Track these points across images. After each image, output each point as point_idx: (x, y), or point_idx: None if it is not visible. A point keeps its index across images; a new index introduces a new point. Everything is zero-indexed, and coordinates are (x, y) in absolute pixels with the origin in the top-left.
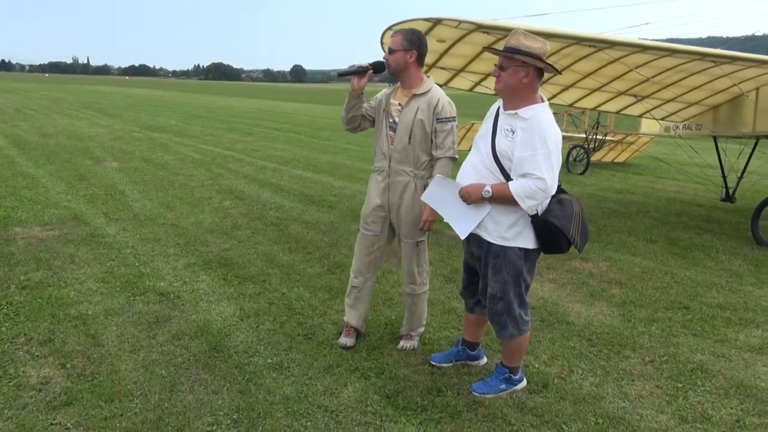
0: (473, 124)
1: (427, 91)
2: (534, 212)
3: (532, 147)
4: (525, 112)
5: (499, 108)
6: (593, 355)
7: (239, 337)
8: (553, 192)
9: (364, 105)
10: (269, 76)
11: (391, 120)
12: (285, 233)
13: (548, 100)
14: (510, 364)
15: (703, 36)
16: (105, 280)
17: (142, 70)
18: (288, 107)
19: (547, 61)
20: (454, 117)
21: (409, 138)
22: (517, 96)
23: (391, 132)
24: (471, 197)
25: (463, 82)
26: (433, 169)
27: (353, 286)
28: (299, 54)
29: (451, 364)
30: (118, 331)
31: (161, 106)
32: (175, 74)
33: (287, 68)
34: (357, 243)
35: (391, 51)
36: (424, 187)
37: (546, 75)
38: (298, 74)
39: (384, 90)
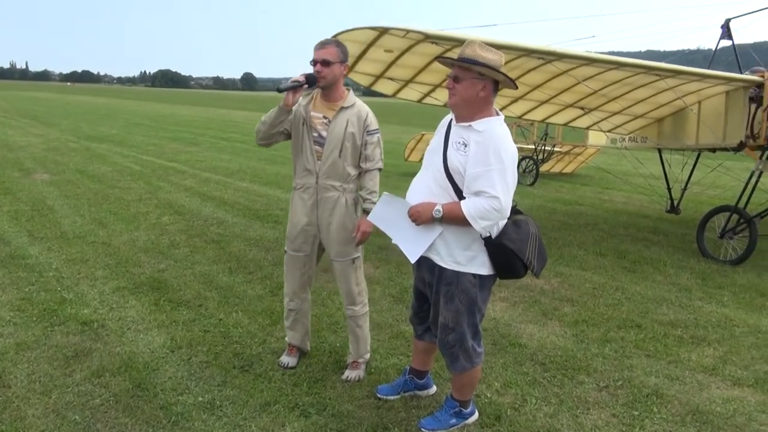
0: (423, 134)
1: (354, 104)
2: (488, 234)
3: (485, 162)
4: (479, 124)
5: (451, 120)
6: (547, 381)
7: (168, 372)
8: (508, 212)
9: None
10: (219, 83)
11: (316, 134)
12: (226, 251)
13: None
14: (461, 397)
15: (643, 50)
16: (21, 308)
17: (85, 77)
18: (237, 116)
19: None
20: (378, 129)
21: (340, 152)
22: (471, 110)
23: (318, 147)
24: (421, 217)
25: (411, 93)
26: (363, 182)
27: (290, 309)
28: (250, 61)
29: (398, 396)
30: (30, 369)
31: (103, 114)
32: (121, 81)
33: (237, 76)
34: (286, 266)
35: (327, 63)
36: (354, 201)
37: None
38: (248, 82)
39: (298, 102)
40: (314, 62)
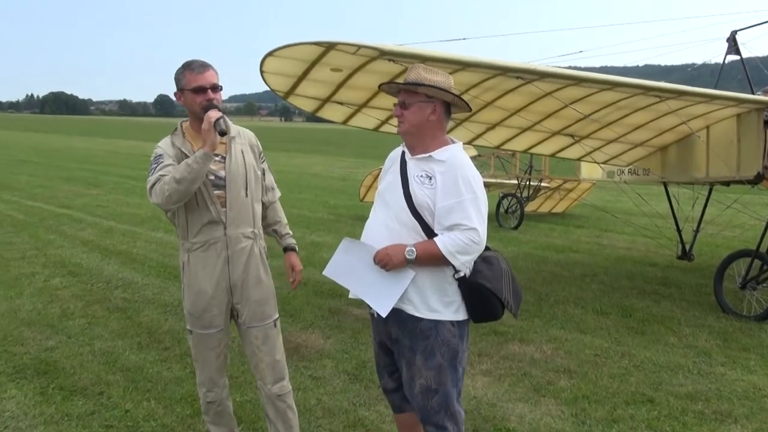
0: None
1: (238, 131)
2: (462, 273)
3: (456, 193)
4: (440, 153)
5: (403, 153)
6: None
7: None
8: (484, 244)
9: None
10: (127, 108)
11: (212, 177)
12: (134, 322)
13: (471, 140)
14: None
15: (640, 64)
16: None
17: None
18: (150, 148)
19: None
20: None
21: (246, 190)
22: (425, 137)
23: (218, 190)
24: (392, 261)
25: (365, 120)
26: (271, 217)
27: (209, 402)
28: (165, 81)
29: None
30: None
31: None
32: (1, 106)
33: (150, 98)
34: (195, 349)
35: (217, 87)
36: (264, 248)
37: (462, 114)
38: (163, 106)
39: (164, 143)
40: (199, 89)
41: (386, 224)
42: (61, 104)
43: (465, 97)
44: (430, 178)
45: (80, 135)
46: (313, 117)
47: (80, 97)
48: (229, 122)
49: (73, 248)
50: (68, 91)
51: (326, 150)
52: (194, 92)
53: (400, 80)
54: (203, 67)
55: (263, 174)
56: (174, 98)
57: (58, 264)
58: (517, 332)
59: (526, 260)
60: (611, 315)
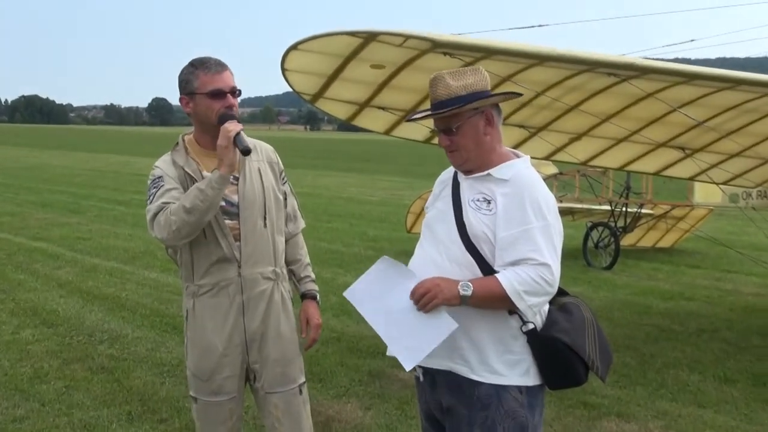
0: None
1: (254, 144)
2: (531, 325)
3: (522, 220)
4: (501, 171)
5: (456, 174)
6: None
7: None
8: (557, 285)
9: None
10: (114, 115)
11: (223, 202)
12: (123, 386)
13: (550, 155)
14: None
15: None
16: None
17: None
18: (144, 164)
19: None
20: None
21: (265, 218)
22: (482, 154)
23: (230, 220)
24: (440, 295)
25: (413, 130)
26: (291, 253)
27: None
28: (162, 83)
29: None
30: None
31: None
32: None
33: (143, 103)
34: (200, 422)
35: (236, 92)
36: (289, 292)
37: (539, 122)
38: (160, 112)
39: (163, 162)
40: (217, 93)
41: (432, 260)
42: (34, 111)
43: (543, 99)
44: (489, 202)
45: (57, 149)
46: (346, 125)
47: (57, 101)
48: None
49: (47, 291)
50: (43, 95)
51: (363, 167)
52: (210, 97)
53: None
54: (221, 66)
55: (285, 198)
56: (180, 104)
57: (29, 311)
58: (613, 404)
59: (623, 310)
60: (739, 383)
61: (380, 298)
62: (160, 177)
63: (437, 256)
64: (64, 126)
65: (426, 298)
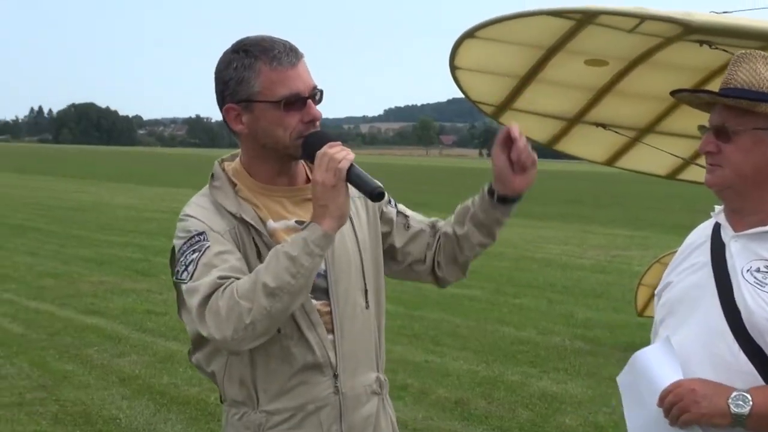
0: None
1: None
2: None
3: None
4: None
5: (718, 229)
6: None
7: None
8: None
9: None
10: (201, 132)
11: None
12: None
13: None
14: None
15: None
16: None
17: None
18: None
19: None
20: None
21: (366, 293)
22: (758, 189)
23: (316, 300)
24: (695, 410)
25: (649, 159)
26: (454, 230)
27: None
28: (202, 97)
29: None
30: None
31: None
32: None
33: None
34: None
35: (318, 95)
36: (392, 415)
37: None
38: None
39: (199, 208)
40: (294, 99)
41: (686, 361)
42: (89, 125)
43: None
44: None
45: (120, 181)
46: (545, 151)
47: (121, 112)
48: None
49: (104, 389)
50: (101, 103)
51: (570, 213)
52: (284, 107)
53: (715, 85)
54: (294, 54)
55: (394, 225)
56: (224, 117)
57: (79, 418)
58: None
59: None
60: None
61: (638, 394)
62: (201, 233)
63: (692, 353)
64: (131, 148)
65: (676, 409)
